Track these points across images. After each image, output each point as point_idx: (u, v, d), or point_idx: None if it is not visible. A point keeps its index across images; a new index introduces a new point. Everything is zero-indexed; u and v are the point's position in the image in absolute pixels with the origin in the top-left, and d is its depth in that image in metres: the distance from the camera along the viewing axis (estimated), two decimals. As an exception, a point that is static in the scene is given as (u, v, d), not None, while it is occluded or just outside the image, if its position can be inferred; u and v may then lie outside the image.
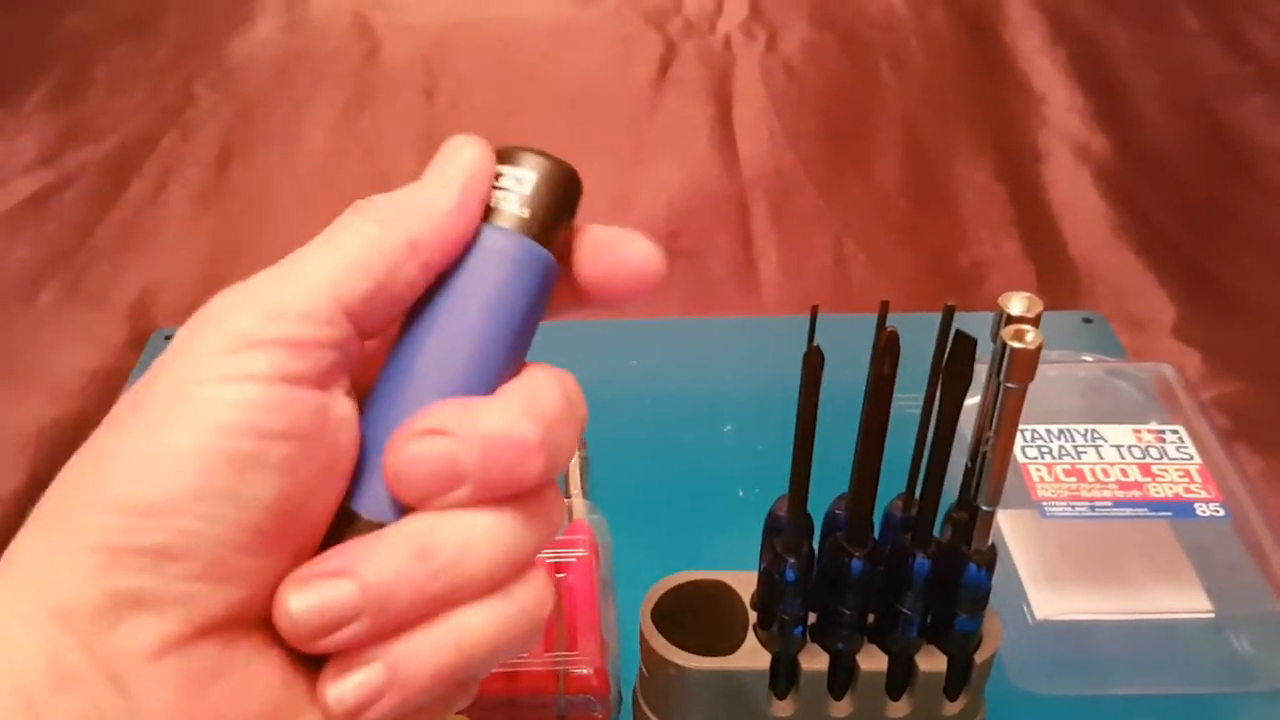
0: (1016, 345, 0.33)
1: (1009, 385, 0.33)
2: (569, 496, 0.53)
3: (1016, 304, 0.34)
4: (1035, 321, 0.34)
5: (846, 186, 0.80)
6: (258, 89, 0.91)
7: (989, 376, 0.34)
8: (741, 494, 0.56)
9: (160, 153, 0.84)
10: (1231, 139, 0.84)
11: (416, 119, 0.87)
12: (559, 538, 0.50)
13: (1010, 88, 0.90)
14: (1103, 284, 0.71)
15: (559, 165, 0.28)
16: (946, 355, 0.34)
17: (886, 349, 0.33)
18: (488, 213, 0.28)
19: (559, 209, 0.28)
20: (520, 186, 0.28)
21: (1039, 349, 0.33)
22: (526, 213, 0.28)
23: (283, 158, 0.83)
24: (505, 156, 0.28)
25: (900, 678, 0.40)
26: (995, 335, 0.34)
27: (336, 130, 0.85)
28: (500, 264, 0.27)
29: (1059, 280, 0.71)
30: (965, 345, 0.33)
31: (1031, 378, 0.33)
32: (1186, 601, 0.48)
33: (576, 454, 0.56)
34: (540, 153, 0.28)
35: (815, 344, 0.33)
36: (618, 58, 0.94)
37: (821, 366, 0.34)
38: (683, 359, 0.65)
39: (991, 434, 0.35)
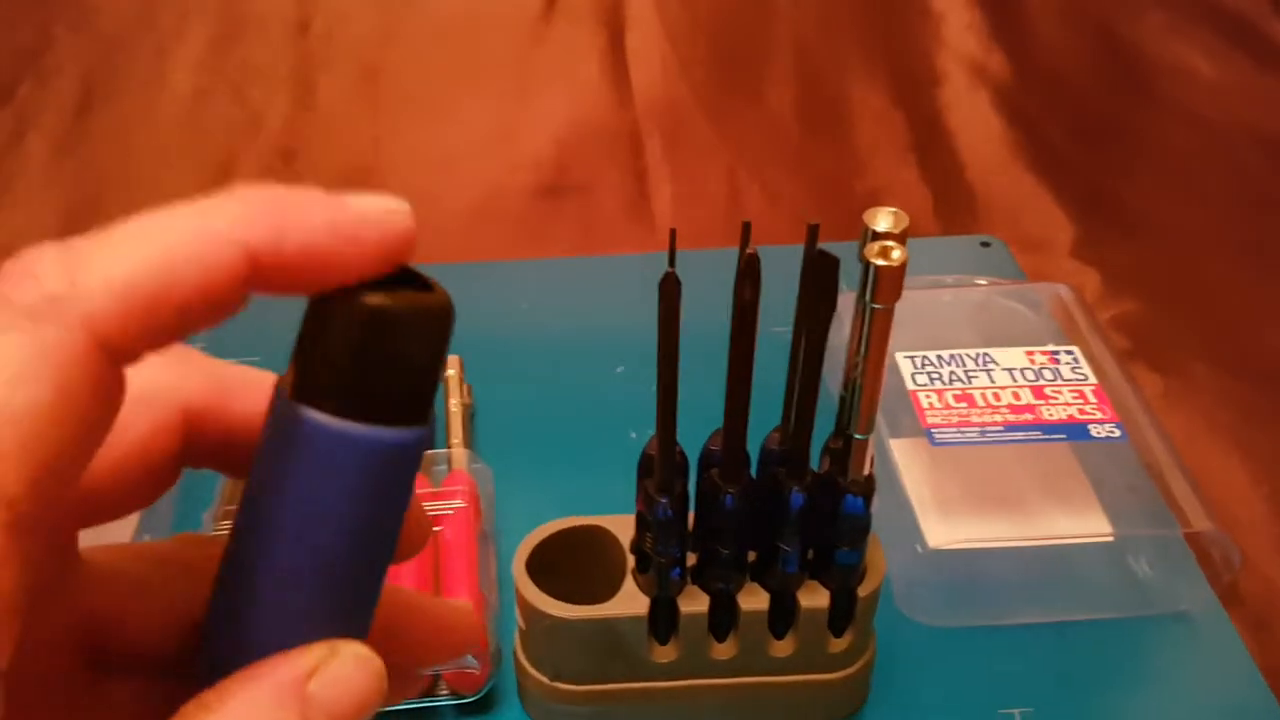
0: (881, 263, 0.31)
1: (875, 306, 0.31)
2: (450, 446, 0.51)
3: (882, 220, 0.32)
4: (902, 238, 0.31)
5: (741, 116, 0.78)
6: (119, 28, 0.86)
7: (857, 298, 0.32)
8: (634, 436, 0.54)
9: (17, 100, 0.79)
10: (1129, 56, 0.83)
11: (288, 55, 0.82)
12: (437, 489, 0.48)
13: (907, 8, 0.87)
14: (1000, 206, 0.69)
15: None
16: (808, 276, 0.32)
17: (747, 272, 0.31)
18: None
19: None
20: None
21: (904, 266, 0.31)
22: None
23: (146, 101, 0.78)
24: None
25: (783, 616, 0.38)
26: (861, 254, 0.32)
27: (202, 69, 0.80)
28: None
29: (957, 205, 0.70)
30: (828, 264, 0.31)
31: (897, 297, 0.31)
32: (1086, 525, 0.47)
33: (458, 402, 0.53)
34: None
35: (671, 269, 0.31)
36: (503, -17, 0.90)
37: (679, 294, 0.32)
38: (574, 300, 0.63)
39: (860, 359, 0.33)
